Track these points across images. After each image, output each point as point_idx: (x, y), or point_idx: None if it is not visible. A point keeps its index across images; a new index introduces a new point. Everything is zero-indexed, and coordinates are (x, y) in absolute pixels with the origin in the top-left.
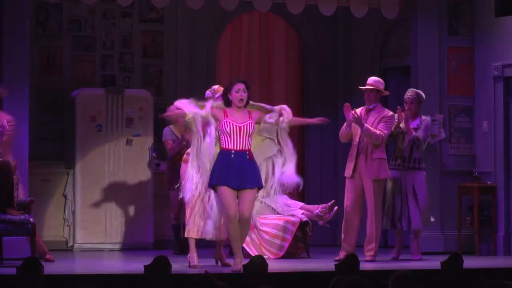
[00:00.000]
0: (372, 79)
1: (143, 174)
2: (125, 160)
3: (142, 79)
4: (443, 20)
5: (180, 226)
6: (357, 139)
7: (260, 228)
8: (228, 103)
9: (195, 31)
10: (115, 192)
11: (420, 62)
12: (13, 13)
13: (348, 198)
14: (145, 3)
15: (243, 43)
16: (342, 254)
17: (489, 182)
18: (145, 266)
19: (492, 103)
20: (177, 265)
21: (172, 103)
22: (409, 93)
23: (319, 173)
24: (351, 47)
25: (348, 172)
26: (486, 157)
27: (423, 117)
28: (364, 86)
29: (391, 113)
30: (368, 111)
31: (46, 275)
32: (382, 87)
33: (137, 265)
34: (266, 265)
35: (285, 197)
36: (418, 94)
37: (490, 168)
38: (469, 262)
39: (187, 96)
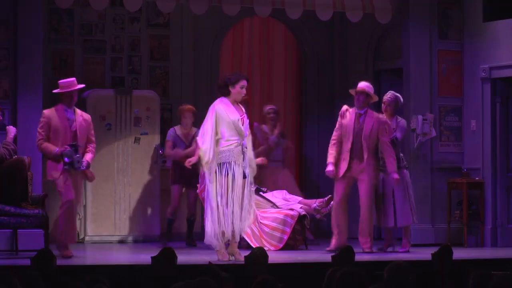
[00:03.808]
0: (362, 83)
1: (150, 170)
2: (133, 157)
3: (149, 81)
4: (434, 25)
5: (173, 221)
6: (349, 145)
7: (261, 221)
8: (226, 93)
9: (199, 35)
10: (124, 188)
11: (412, 65)
12: (28, 18)
13: (338, 195)
14: (152, 8)
15: (244, 47)
16: (333, 245)
17: (477, 178)
18: (152, 257)
19: (480, 103)
20: (183, 257)
21: (177, 104)
22: (389, 95)
23: (316, 170)
24: (346, 50)
25: (340, 173)
26: (474, 154)
27: (399, 118)
28: (355, 90)
29: (382, 118)
30: (359, 116)
31: (59, 266)
32: (371, 91)
33: (144, 256)
34: (267, 256)
35: (284, 191)
36: (396, 97)
37: (478, 165)
38: (458, 254)
39: (192, 98)
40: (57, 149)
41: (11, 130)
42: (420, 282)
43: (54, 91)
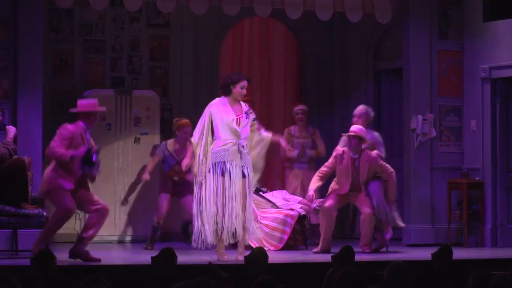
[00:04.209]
0: (354, 127)
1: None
2: (133, 157)
3: (149, 81)
4: (434, 25)
5: (158, 229)
6: (347, 189)
7: (261, 221)
8: (228, 92)
9: (199, 35)
10: (124, 188)
11: (412, 65)
12: (28, 18)
13: (329, 200)
14: (152, 8)
15: (244, 47)
16: (320, 247)
17: (477, 178)
18: (152, 258)
19: (480, 103)
20: (183, 257)
21: (177, 104)
22: (359, 107)
23: (316, 170)
24: (346, 50)
25: (338, 192)
26: (474, 154)
27: (373, 132)
28: (348, 134)
29: (373, 155)
30: (354, 161)
31: (59, 266)
32: (364, 135)
33: (144, 256)
34: (267, 256)
35: (284, 191)
36: (367, 111)
37: (478, 165)
38: (458, 254)
39: (191, 98)
40: (73, 152)
41: (11, 130)
42: (420, 282)
43: (73, 110)
